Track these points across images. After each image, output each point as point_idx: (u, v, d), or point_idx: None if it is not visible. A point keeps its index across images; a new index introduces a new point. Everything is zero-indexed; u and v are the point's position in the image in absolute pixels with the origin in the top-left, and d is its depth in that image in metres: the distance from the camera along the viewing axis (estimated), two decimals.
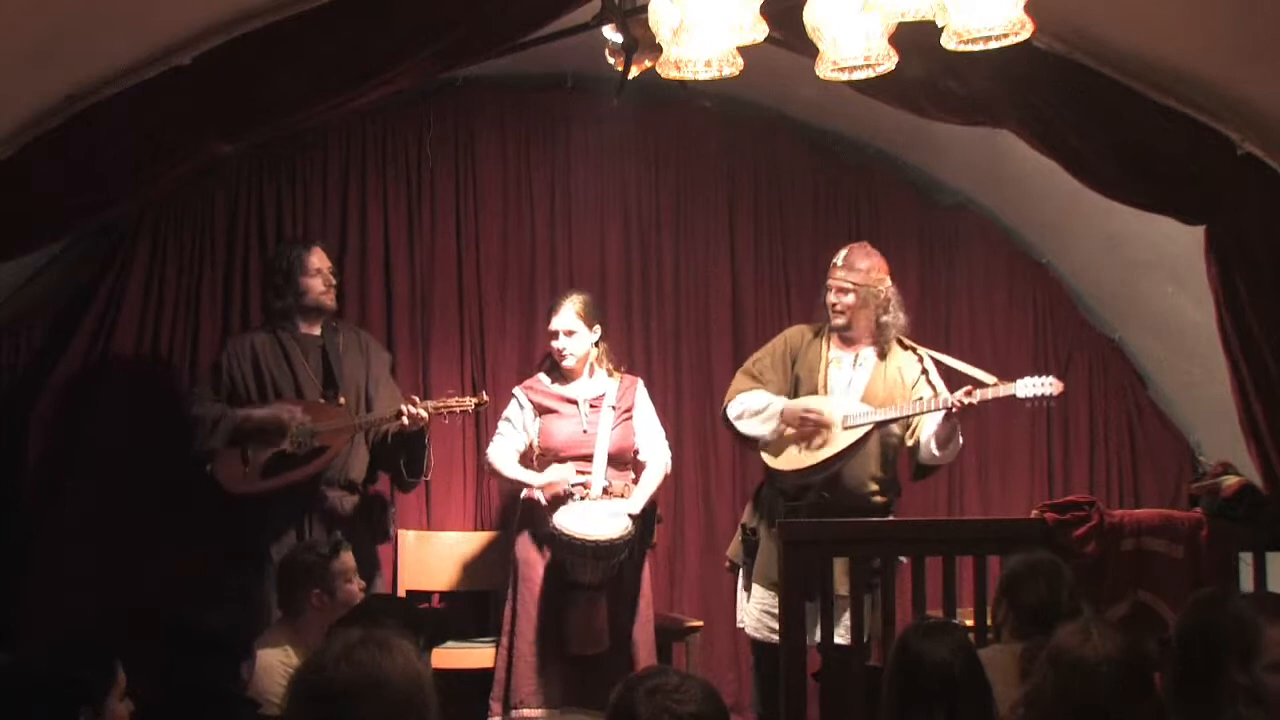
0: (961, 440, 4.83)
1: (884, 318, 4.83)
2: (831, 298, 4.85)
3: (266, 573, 4.49)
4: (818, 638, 4.37)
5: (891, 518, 4.87)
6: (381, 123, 5.51)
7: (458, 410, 4.89)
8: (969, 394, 4.56)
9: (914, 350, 4.92)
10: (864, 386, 4.82)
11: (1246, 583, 4.40)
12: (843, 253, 4.88)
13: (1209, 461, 5.43)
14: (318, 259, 4.95)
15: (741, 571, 4.94)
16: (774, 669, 4.45)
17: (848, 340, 4.88)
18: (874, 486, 4.81)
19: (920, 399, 4.73)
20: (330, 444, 4.74)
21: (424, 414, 4.76)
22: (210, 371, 4.92)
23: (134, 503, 5.01)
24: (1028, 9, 3.02)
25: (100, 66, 3.82)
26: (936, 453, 4.75)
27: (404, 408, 4.75)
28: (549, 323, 4.97)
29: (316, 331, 4.95)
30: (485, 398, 4.99)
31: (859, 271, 4.82)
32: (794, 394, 4.85)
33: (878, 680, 3.05)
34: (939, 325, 5.93)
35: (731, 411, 4.88)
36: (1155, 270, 5.37)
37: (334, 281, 4.99)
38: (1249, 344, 4.27)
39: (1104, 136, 4.24)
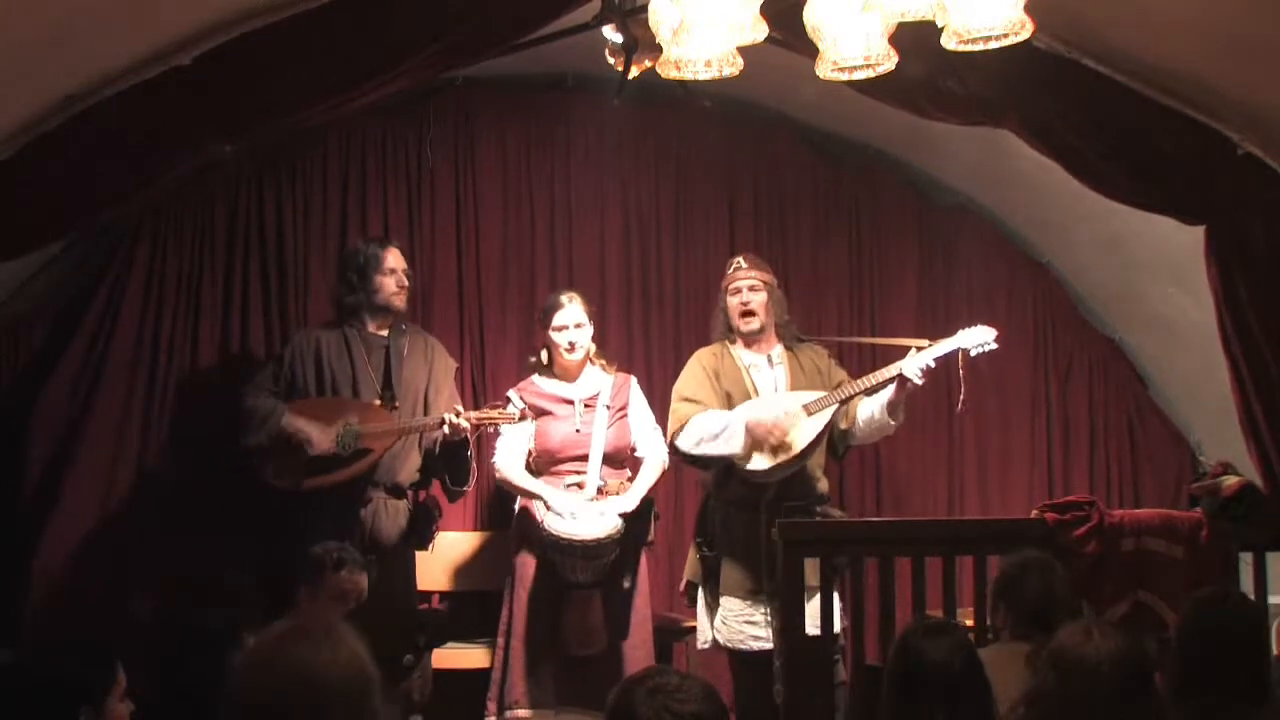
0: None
1: (785, 316, 4.97)
2: (745, 296, 4.89)
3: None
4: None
5: (838, 510, 4.99)
6: (381, 123, 5.51)
7: (501, 422, 4.79)
8: (916, 354, 4.63)
9: (808, 340, 5.06)
10: (787, 383, 4.87)
11: (1246, 583, 4.39)
12: (737, 259, 5.00)
13: (1209, 461, 5.42)
14: (394, 258, 4.93)
15: (702, 590, 4.87)
16: (762, 676, 4.48)
17: (753, 343, 4.92)
18: (819, 473, 4.89)
19: (867, 377, 4.76)
20: (374, 447, 4.70)
21: (465, 424, 4.70)
22: (272, 362, 4.92)
23: (134, 502, 5.01)
24: (1028, 9, 3.02)
25: (100, 66, 3.82)
26: (891, 422, 4.80)
27: (446, 416, 4.70)
28: (550, 321, 4.95)
29: (384, 332, 4.93)
30: (529, 413, 4.86)
31: (764, 269, 4.96)
32: (728, 408, 4.81)
33: (876, 680, 3.05)
34: (939, 326, 5.88)
35: (685, 442, 4.77)
36: (1155, 270, 5.37)
37: (406, 283, 4.96)
38: (1249, 344, 4.27)
39: (1104, 136, 4.24)
